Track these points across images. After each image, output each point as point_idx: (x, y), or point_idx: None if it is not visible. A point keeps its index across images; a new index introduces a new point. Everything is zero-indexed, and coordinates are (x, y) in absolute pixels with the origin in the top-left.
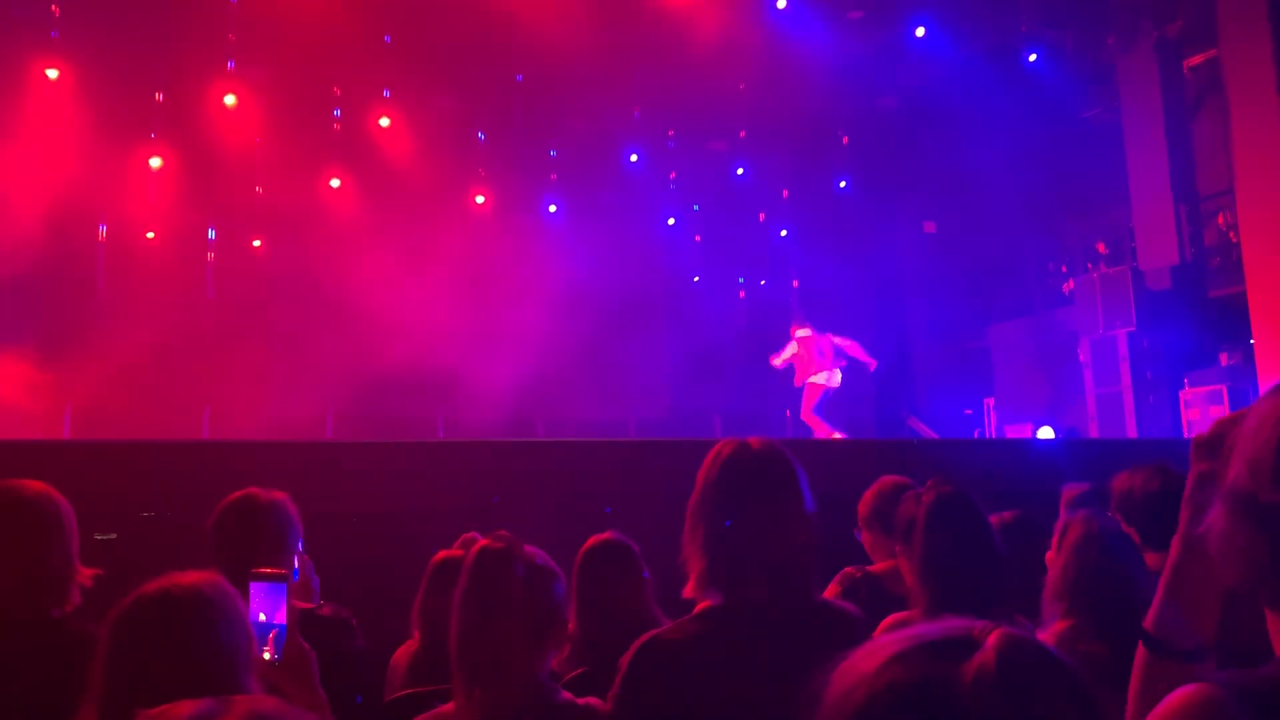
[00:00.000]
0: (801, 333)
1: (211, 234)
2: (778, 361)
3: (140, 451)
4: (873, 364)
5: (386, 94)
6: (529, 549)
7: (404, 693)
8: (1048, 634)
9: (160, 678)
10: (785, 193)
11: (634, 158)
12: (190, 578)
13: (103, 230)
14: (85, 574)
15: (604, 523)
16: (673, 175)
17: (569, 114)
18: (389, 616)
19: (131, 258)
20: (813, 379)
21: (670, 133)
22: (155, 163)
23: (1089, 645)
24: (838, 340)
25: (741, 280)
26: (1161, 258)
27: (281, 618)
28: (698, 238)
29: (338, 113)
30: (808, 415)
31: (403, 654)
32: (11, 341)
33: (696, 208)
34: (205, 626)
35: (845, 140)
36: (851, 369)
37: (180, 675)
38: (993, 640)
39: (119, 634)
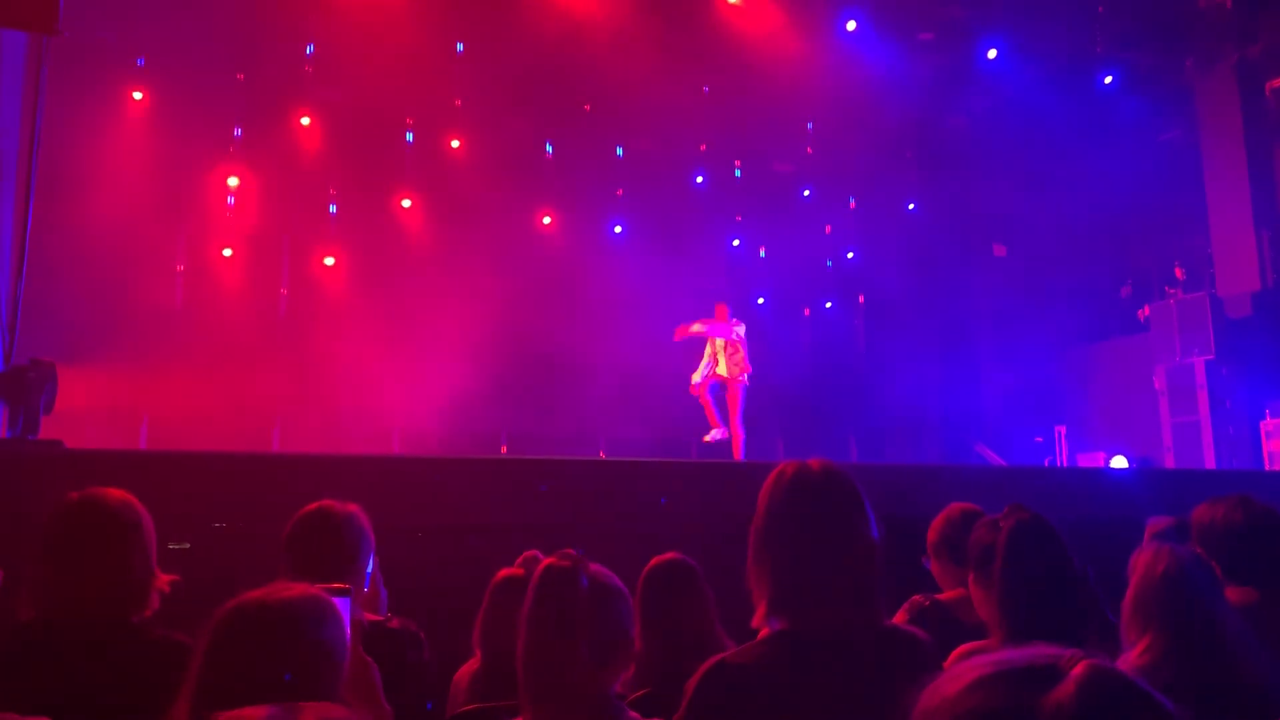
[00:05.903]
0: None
1: (286, 251)
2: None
3: (213, 463)
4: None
5: (458, 105)
6: (595, 567)
7: (471, 707)
8: (1124, 662)
9: (257, 687)
10: (852, 205)
11: (700, 179)
12: (292, 589)
13: (182, 245)
14: (164, 580)
15: (670, 544)
16: (739, 197)
17: (636, 134)
18: (456, 631)
19: (209, 273)
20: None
21: (737, 158)
22: (233, 181)
23: (1166, 672)
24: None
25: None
26: (1242, 284)
27: None
28: (762, 254)
29: (410, 136)
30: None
31: (464, 673)
32: (93, 354)
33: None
34: (306, 638)
35: (914, 161)
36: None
37: (277, 686)
38: (1077, 671)
39: (219, 641)
